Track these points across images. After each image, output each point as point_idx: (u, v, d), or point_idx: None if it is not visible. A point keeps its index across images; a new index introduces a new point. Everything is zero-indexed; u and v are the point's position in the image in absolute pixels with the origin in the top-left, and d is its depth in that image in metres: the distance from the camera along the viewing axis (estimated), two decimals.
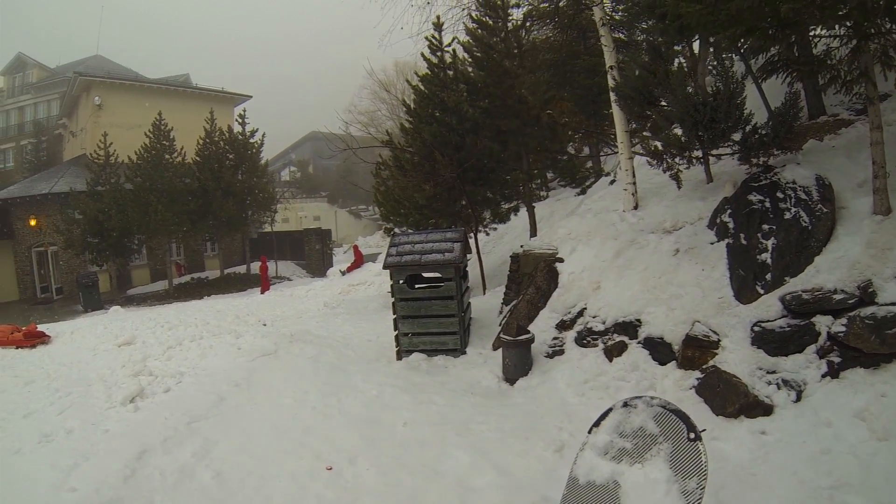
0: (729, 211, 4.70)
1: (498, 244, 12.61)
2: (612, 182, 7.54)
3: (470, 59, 9.13)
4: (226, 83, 32.42)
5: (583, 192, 9.27)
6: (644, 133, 6.00)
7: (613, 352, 4.44)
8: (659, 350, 4.20)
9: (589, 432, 2.83)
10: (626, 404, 2.80)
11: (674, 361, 4.08)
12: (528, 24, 9.20)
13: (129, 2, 76.30)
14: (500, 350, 5.14)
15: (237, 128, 22.89)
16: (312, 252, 25.14)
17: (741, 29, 4.84)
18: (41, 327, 10.72)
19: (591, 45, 8.42)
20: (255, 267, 23.02)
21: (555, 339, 5.02)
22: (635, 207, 5.93)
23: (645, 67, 5.54)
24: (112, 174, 19.90)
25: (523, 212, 9.35)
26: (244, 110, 23.36)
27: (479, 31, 8.41)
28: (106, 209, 18.81)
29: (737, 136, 4.92)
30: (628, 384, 4.06)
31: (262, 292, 18.25)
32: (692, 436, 2.51)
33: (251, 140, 22.66)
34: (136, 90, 26.25)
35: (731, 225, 4.59)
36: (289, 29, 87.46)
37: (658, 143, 5.47)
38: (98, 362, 7.79)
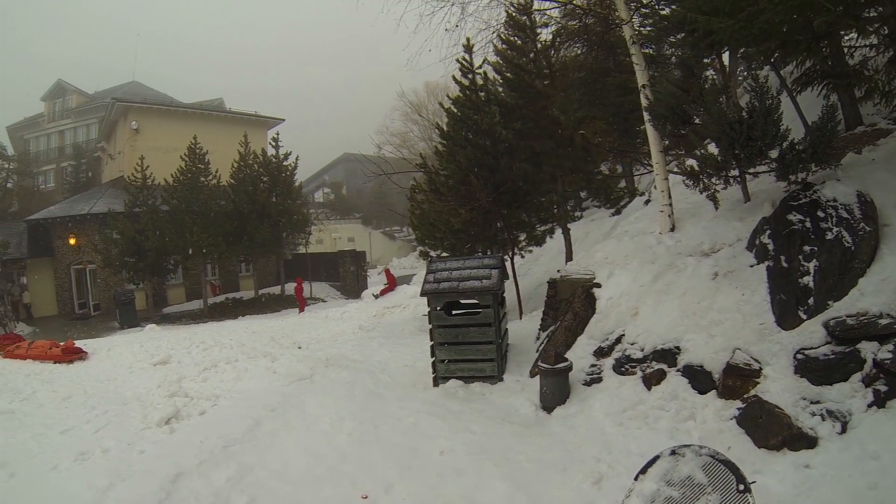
0: (768, 232, 4.69)
1: (534, 266, 12.66)
2: (647, 202, 7.57)
3: (501, 81, 9.33)
4: (259, 105, 33.60)
5: (617, 212, 9.31)
6: (679, 152, 6.04)
7: (652, 380, 4.46)
8: (699, 378, 4.20)
9: (635, 479, 2.86)
10: (673, 452, 2.81)
11: (714, 390, 4.07)
12: (556, 42, 9.36)
13: (163, 29, 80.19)
14: (538, 377, 5.22)
15: (271, 151, 23.61)
16: (347, 274, 25.63)
17: (774, 43, 4.89)
18: (78, 343, 11.08)
19: (621, 61, 8.50)
20: (290, 288, 23.59)
21: (592, 366, 5.08)
22: (672, 229, 5.97)
23: (677, 85, 5.61)
24: (149, 196, 20.84)
25: (558, 232, 9.43)
26: (277, 133, 24.11)
27: (509, 51, 8.60)
28: (143, 230, 19.73)
29: (773, 153, 4.92)
30: (667, 413, 4.08)
31: (300, 312, 18.72)
32: (741, 487, 2.52)
33: (285, 163, 23.33)
34: (172, 115, 27.53)
35: (770, 246, 4.58)
36: (319, 50, 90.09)
37: (694, 163, 5.52)
38: (134, 381, 8.08)
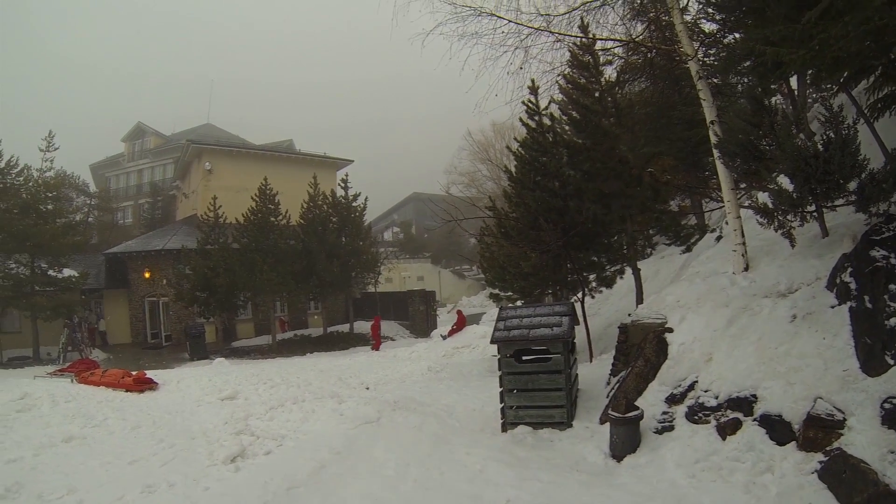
0: (850, 270, 4.54)
1: (604, 305, 12.53)
2: (719, 238, 7.44)
3: (567, 121, 9.52)
4: (328, 143, 35.32)
5: (688, 249, 9.17)
6: (751, 185, 5.98)
7: (727, 429, 4.35)
8: (777, 429, 4.06)
9: None
10: None
11: (793, 442, 3.93)
12: (621, 79, 9.48)
13: (236, 75, 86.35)
14: (608, 424, 5.22)
15: (340, 192, 24.65)
16: (416, 313, 26.06)
17: (850, 71, 4.82)
18: (149, 374, 11.75)
19: (687, 94, 8.49)
20: (359, 326, 24.26)
21: (664, 413, 5.02)
22: (746, 269, 5.87)
23: (747, 120, 5.60)
24: (220, 234, 22.16)
25: (628, 271, 9.38)
26: (346, 175, 25.15)
27: (574, 92, 8.82)
28: (214, 266, 20.82)
29: (852, 185, 4.81)
30: (743, 465, 3.97)
31: (375, 349, 19.32)
32: None
33: (354, 204, 24.24)
34: (243, 156, 29.40)
35: (852, 285, 4.43)
36: (388, 90, 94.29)
37: (767, 198, 5.45)
38: (201, 415, 8.47)
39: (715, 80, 6.73)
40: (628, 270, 9.21)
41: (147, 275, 24.88)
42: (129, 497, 5.26)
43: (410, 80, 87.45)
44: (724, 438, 4.36)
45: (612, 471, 4.80)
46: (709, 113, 6.34)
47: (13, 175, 20.42)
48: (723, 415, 4.48)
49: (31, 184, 21.12)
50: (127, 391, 10.77)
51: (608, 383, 6.65)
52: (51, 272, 20.43)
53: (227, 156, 28.80)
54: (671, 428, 4.88)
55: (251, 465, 5.99)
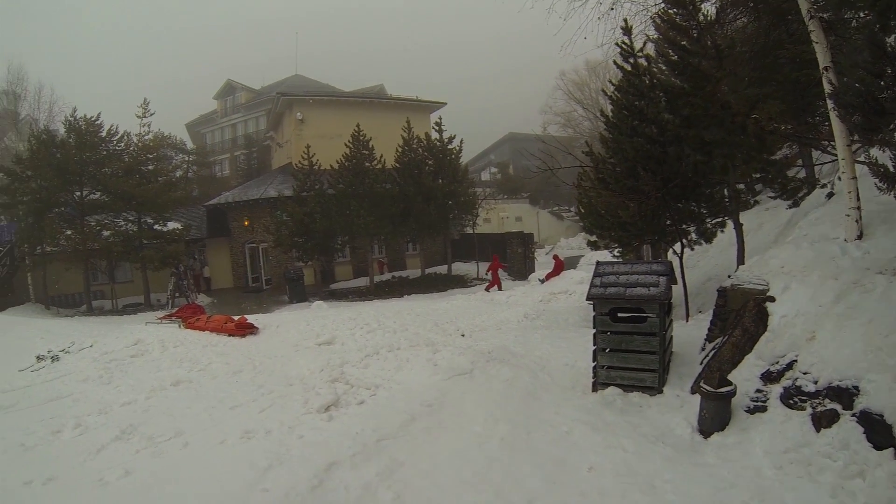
0: None
1: (702, 258, 11.89)
2: (829, 195, 6.76)
3: (663, 64, 8.85)
4: (419, 89, 35.32)
5: (795, 204, 8.42)
6: (871, 144, 5.32)
7: (822, 420, 4.10)
8: (876, 430, 3.71)
9: None
10: None
11: (892, 448, 3.57)
12: (721, 16, 8.57)
13: (321, 25, 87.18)
14: (698, 396, 5.13)
15: (434, 135, 24.63)
16: (514, 255, 26.10)
17: None
18: (250, 318, 12.53)
19: (795, 30, 7.51)
20: (456, 268, 24.78)
21: (758, 391, 4.83)
22: (859, 237, 5.35)
23: (867, 70, 4.93)
24: (316, 181, 22.89)
25: (728, 223, 8.85)
26: (440, 118, 25.04)
27: (671, 32, 8.13)
28: (311, 212, 21.76)
29: None
30: (834, 465, 3.74)
31: (496, 287, 19.72)
32: None
33: (449, 146, 24.20)
34: (334, 104, 30.06)
35: None
36: (474, 28, 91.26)
37: (889, 162, 4.87)
38: (299, 360, 8.86)
39: (825, 16, 5.89)
40: (729, 223, 8.67)
41: (246, 223, 26.63)
42: (230, 441, 5.64)
43: (502, 23, 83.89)
44: (818, 430, 4.11)
45: (697, 447, 4.73)
46: (822, 58, 5.61)
47: (115, 142, 22.41)
48: (820, 403, 4.21)
49: (131, 148, 23.10)
50: (230, 336, 11.56)
51: (703, 349, 6.44)
52: (156, 226, 22.51)
53: (318, 104, 29.54)
54: (764, 409, 4.69)
55: (344, 414, 6.25)
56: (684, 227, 8.92)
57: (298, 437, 5.58)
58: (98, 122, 21.77)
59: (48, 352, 10.95)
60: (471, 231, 26.79)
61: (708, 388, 4.88)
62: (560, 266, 19.09)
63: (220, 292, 26.30)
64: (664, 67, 9.02)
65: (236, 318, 12.53)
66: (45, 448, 6.00)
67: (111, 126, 22.23)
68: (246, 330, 11.80)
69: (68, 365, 10.05)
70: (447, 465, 4.75)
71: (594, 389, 6.36)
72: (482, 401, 6.19)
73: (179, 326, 13.15)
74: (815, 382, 4.36)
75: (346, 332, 10.72)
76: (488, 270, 21.05)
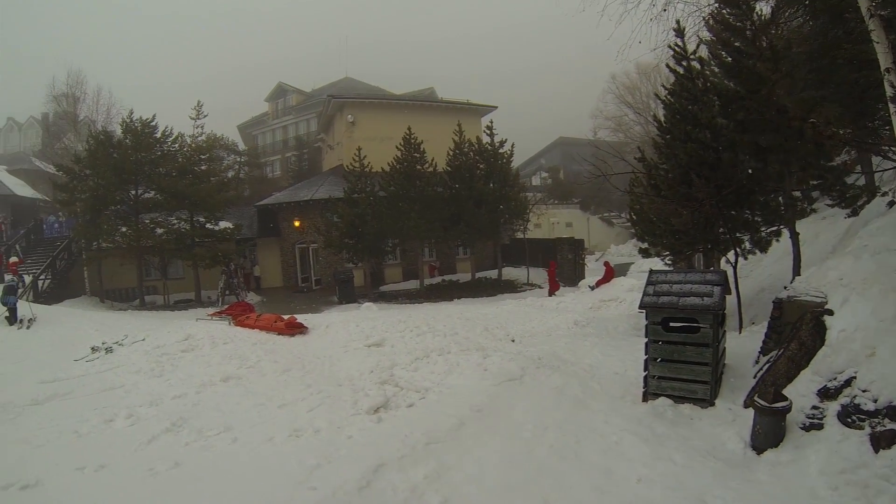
0: None
1: (756, 267, 11.52)
2: (891, 204, 6.46)
3: (717, 67, 8.67)
4: (470, 91, 35.53)
5: (854, 213, 8.07)
6: None
7: (882, 441, 3.95)
8: None
9: None
10: None
11: None
12: (776, 16, 8.30)
13: (370, 31, 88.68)
14: (752, 410, 5.01)
15: (485, 139, 24.57)
16: (564, 261, 25.82)
17: None
18: (299, 318, 12.60)
19: (853, 28, 7.18)
20: (506, 273, 24.69)
21: (814, 408, 4.69)
22: None
23: None
24: (367, 183, 22.87)
25: (784, 232, 8.58)
26: (491, 121, 25.03)
27: (724, 33, 7.96)
28: (362, 214, 21.88)
29: None
30: (893, 488, 3.60)
31: (550, 294, 19.65)
32: None
33: (500, 150, 24.09)
34: (385, 106, 30.20)
35: None
36: (528, 36, 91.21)
37: None
38: (348, 361, 8.97)
39: (886, 14, 5.60)
40: (785, 232, 8.40)
41: (297, 223, 26.98)
42: (278, 439, 5.75)
43: (552, 25, 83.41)
44: (876, 451, 3.97)
45: (749, 464, 4.63)
46: (883, 58, 5.33)
47: (169, 143, 23.18)
48: (879, 423, 4.06)
49: (185, 149, 23.83)
50: (279, 334, 11.68)
51: (757, 361, 6.30)
52: (208, 225, 23.02)
53: (369, 107, 29.88)
54: (820, 426, 4.55)
55: (393, 416, 6.33)
56: (738, 235, 8.71)
57: (347, 438, 5.68)
58: (153, 124, 22.65)
59: (102, 343, 11.51)
60: (521, 236, 26.63)
61: (762, 402, 4.75)
62: (610, 273, 18.80)
63: (269, 291, 26.80)
64: (717, 70, 8.86)
65: (286, 317, 12.67)
66: (98, 436, 6.32)
67: (166, 127, 23.16)
68: (295, 329, 11.94)
69: (121, 357, 10.50)
70: (495, 470, 4.75)
71: (644, 399, 6.28)
72: (532, 407, 6.18)
73: (229, 323, 13.41)
74: (875, 401, 4.22)
75: (396, 334, 10.79)
76: (550, 276, 21.03)
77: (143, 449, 5.82)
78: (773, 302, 6.18)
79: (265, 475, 4.90)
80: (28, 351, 11.55)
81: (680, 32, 8.92)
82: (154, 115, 22.79)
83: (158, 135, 22.77)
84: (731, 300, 7.39)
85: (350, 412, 6.48)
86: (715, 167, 8.34)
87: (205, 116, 26.17)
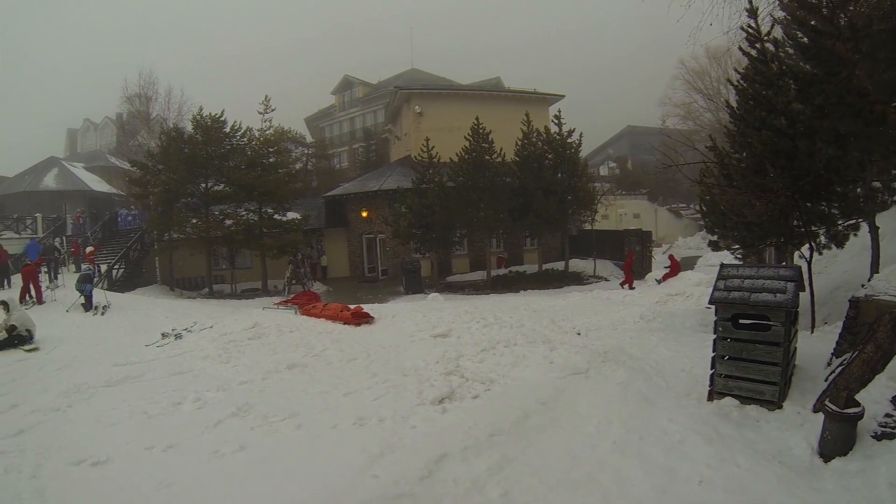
0: None
1: (831, 263, 10.80)
2: None
3: (792, 48, 8.19)
4: (536, 82, 35.07)
5: None
6: None
7: None
8: None
9: None
10: None
11: None
12: None
13: (435, 18, 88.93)
14: (821, 415, 4.79)
15: (553, 128, 24.38)
16: (627, 254, 25.32)
17: None
18: (365, 308, 12.86)
19: None
20: (573, 265, 24.43)
21: (887, 416, 4.41)
22: None
23: None
24: (435, 174, 23.04)
25: (862, 226, 8.03)
26: (559, 111, 24.85)
27: (799, 11, 7.48)
28: (430, 205, 22.09)
29: None
30: None
31: (628, 286, 19.48)
32: None
33: (569, 140, 23.84)
34: (451, 97, 30.40)
35: None
36: (589, 20, 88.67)
37: None
38: (413, 351, 9.07)
39: None
40: (863, 226, 7.87)
41: (364, 214, 27.53)
42: (343, 427, 5.87)
43: (617, 11, 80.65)
44: None
45: (816, 472, 4.42)
46: None
47: (238, 137, 24.13)
48: None
49: (253, 142, 24.72)
50: (345, 324, 11.90)
51: (829, 363, 5.98)
52: (276, 216, 23.92)
53: (436, 98, 30.16)
54: (892, 436, 4.29)
55: (458, 407, 6.35)
56: (813, 228, 8.24)
57: (411, 428, 5.74)
58: (222, 119, 23.72)
59: (172, 330, 12.25)
60: (589, 227, 26.25)
61: (833, 407, 4.53)
62: (677, 267, 18.25)
63: (335, 281, 27.30)
64: (793, 52, 8.38)
65: (352, 306, 12.93)
66: (167, 418, 6.72)
67: (234, 122, 24.25)
68: (361, 319, 12.13)
69: (190, 343, 11.09)
70: (557, 464, 4.74)
71: (710, 398, 6.11)
72: (596, 401, 6.13)
73: (295, 313, 13.82)
74: None
75: (462, 325, 10.86)
76: (627, 267, 20.67)
77: (210, 431, 6.13)
78: (850, 301, 5.84)
79: (328, 461, 5.00)
80: (102, 336, 12.52)
81: (753, 13, 8.52)
82: (223, 111, 23.93)
83: (227, 129, 23.88)
84: (803, 297, 7.03)
85: (415, 402, 6.54)
86: (791, 156, 7.91)
87: (272, 111, 27.21)
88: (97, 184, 37.30)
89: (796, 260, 8.95)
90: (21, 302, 14.29)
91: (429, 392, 6.80)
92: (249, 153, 24.38)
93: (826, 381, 5.62)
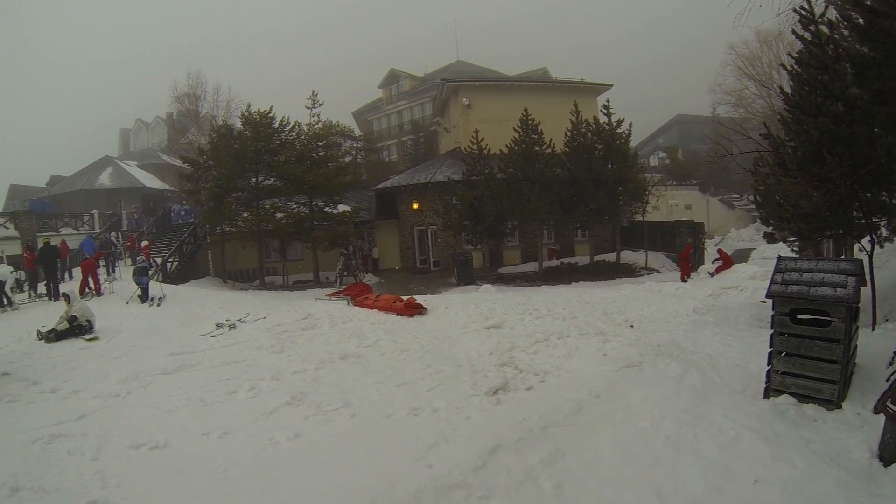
0: None
1: (892, 257, 10.28)
2: None
3: (847, 30, 7.84)
4: (583, 69, 34.57)
5: None
6: None
7: None
8: None
9: None
10: None
11: None
12: None
13: (478, 13, 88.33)
14: (882, 416, 4.65)
15: (602, 118, 23.97)
16: (683, 245, 24.82)
17: None
18: (418, 299, 12.83)
19: None
20: (624, 256, 24.16)
21: None
22: None
23: None
24: (485, 165, 22.91)
25: None
26: (608, 100, 24.27)
27: None
28: (481, 196, 21.99)
29: None
30: None
31: (684, 277, 19.19)
32: None
33: (618, 130, 23.43)
34: (499, 88, 30.25)
35: None
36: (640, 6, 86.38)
37: None
38: (467, 342, 9.06)
39: None
40: None
41: (415, 206, 27.66)
42: (397, 417, 5.88)
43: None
44: None
45: (875, 476, 4.28)
46: None
47: (286, 132, 24.47)
48: None
49: (302, 137, 25.03)
50: (398, 315, 11.95)
51: (891, 363, 5.73)
52: (326, 209, 24.08)
53: (483, 89, 29.99)
54: None
55: (512, 398, 6.32)
56: (874, 220, 7.91)
57: (465, 418, 5.73)
58: (271, 115, 24.09)
59: (226, 320, 12.63)
60: (640, 218, 25.79)
61: (894, 408, 4.41)
62: (729, 260, 17.73)
63: (387, 273, 27.46)
64: (849, 34, 8.02)
65: (405, 298, 12.96)
66: (222, 406, 6.92)
67: (283, 117, 24.63)
68: (414, 310, 12.15)
69: (244, 333, 11.41)
70: (610, 458, 4.71)
71: (766, 396, 5.97)
72: (650, 395, 6.07)
73: (348, 304, 13.99)
74: None
75: (515, 316, 10.83)
76: (684, 260, 20.36)
77: (265, 419, 6.30)
78: None
79: (383, 450, 5.06)
80: (158, 326, 13.06)
81: None
82: (271, 107, 24.40)
83: (276, 125, 24.29)
84: (865, 293, 6.79)
85: (469, 393, 6.55)
86: (849, 144, 7.59)
87: (320, 105, 27.74)
88: (150, 181, 39.17)
89: (856, 253, 8.59)
90: (81, 294, 15.10)
91: (483, 383, 6.82)
92: (299, 147, 24.64)
93: (888, 380, 5.39)
